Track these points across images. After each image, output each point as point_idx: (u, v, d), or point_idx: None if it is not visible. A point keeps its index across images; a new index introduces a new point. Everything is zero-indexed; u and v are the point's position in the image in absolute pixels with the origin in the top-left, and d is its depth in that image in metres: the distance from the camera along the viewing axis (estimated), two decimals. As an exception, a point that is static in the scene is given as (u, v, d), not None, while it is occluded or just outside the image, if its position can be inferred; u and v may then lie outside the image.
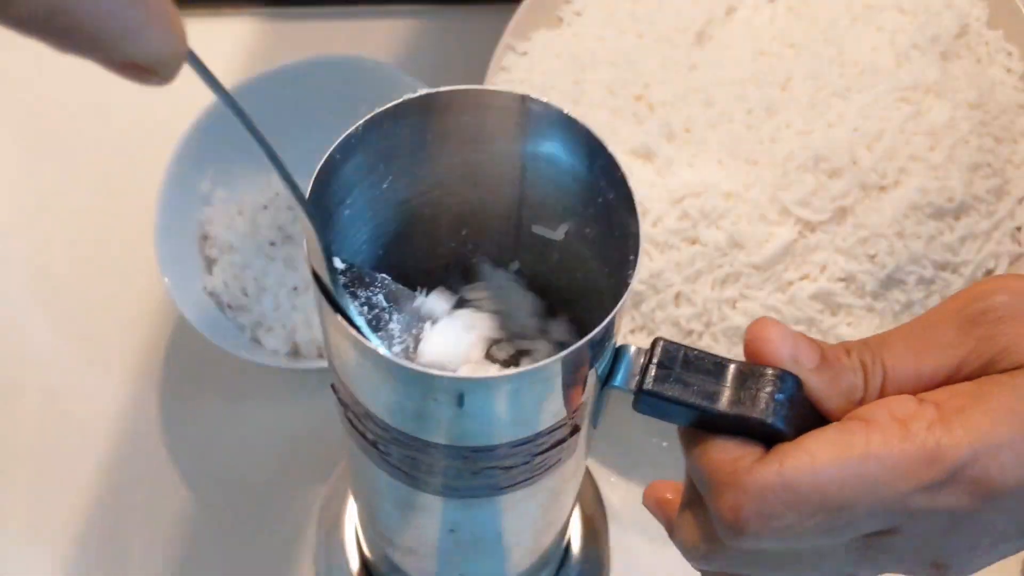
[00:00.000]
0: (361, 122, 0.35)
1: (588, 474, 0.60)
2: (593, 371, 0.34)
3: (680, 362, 0.33)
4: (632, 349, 0.35)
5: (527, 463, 0.35)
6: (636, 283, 0.31)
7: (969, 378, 0.33)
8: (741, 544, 0.32)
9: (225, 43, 0.78)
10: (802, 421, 0.33)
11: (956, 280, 0.58)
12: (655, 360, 0.33)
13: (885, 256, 0.57)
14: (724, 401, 0.32)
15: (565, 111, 0.34)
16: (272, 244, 0.67)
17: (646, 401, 0.34)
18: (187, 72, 0.82)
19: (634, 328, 0.60)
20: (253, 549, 0.64)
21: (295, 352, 0.63)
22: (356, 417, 0.36)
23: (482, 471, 0.35)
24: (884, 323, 0.58)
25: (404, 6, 0.78)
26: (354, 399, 0.35)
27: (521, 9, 0.67)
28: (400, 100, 0.35)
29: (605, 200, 0.36)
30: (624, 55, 0.66)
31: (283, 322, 0.63)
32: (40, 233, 0.74)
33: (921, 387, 0.33)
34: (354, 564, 0.57)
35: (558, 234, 0.40)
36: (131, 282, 0.70)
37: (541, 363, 0.31)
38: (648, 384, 0.33)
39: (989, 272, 0.59)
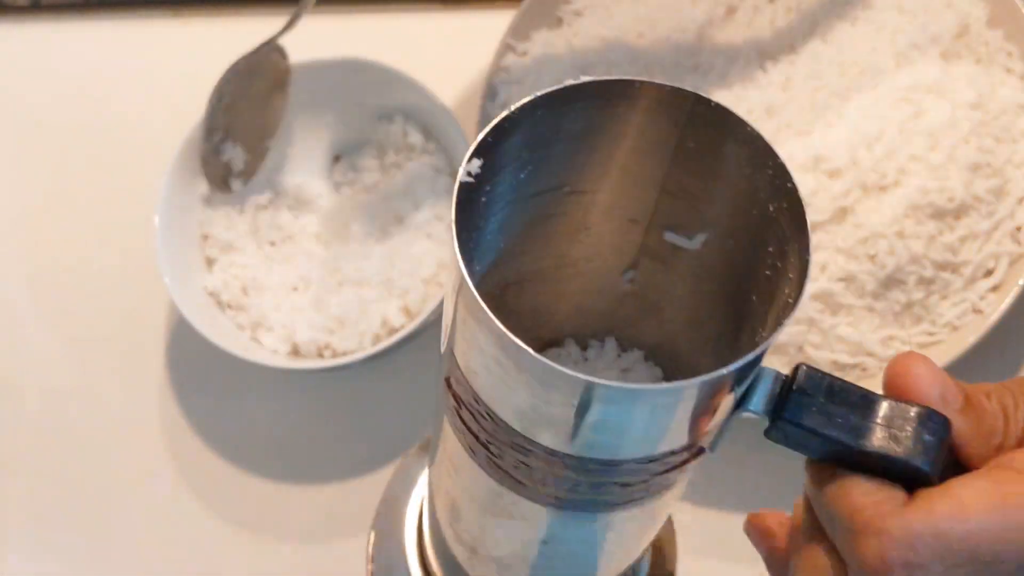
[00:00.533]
0: (517, 105, 0.32)
1: None
2: (732, 394, 0.31)
3: (824, 391, 0.31)
4: (771, 373, 0.32)
5: (645, 482, 0.33)
6: (789, 321, 0.29)
7: None
8: None
9: (225, 43, 0.78)
10: (945, 465, 0.31)
11: (956, 280, 0.58)
12: (797, 387, 0.31)
13: (885, 256, 0.57)
14: (870, 438, 0.30)
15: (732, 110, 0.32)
16: (272, 244, 0.67)
17: (783, 429, 0.32)
18: (188, 72, 0.82)
19: (634, 328, 0.60)
20: (253, 549, 0.64)
21: (295, 352, 0.63)
22: (473, 416, 0.33)
23: (600, 486, 0.33)
24: (884, 323, 0.58)
25: (404, 6, 0.78)
26: (475, 396, 0.32)
27: (521, 9, 0.67)
28: (560, 86, 0.32)
29: (763, 212, 0.32)
30: (624, 55, 0.66)
31: (283, 322, 0.63)
32: (40, 233, 0.73)
33: None
34: (416, 571, 0.55)
35: (694, 243, 0.37)
36: (131, 282, 0.70)
37: (690, 380, 0.28)
38: (789, 413, 0.31)
39: (989, 272, 0.59)
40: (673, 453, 0.32)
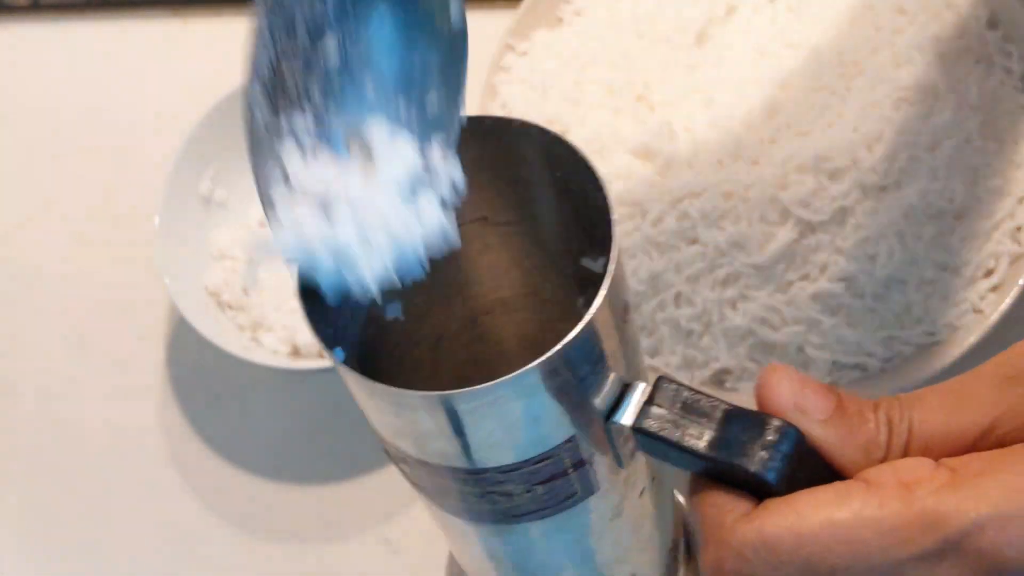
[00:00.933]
0: None
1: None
2: (589, 403, 0.32)
3: (680, 403, 0.32)
4: (640, 387, 0.33)
5: (529, 492, 0.33)
6: (598, 303, 0.30)
7: (1003, 440, 0.30)
8: None
9: (225, 43, 0.78)
10: (807, 476, 0.31)
11: (956, 280, 0.58)
12: (655, 400, 0.32)
13: (885, 257, 0.57)
14: (719, 449, 0.31)
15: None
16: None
17: (642, 441, 0.33)
18: (188, 72, 0.82)
19: (634, 328, 0.60)
20: (252, 549, 0.64)
21: (295, 352, 0.63)
22: (380, 439, 0.35)
23: (486, 495, 0.34)
24: (884, 323, 0.58)
25: (404, 6, 0.78)
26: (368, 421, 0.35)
27: (521, 9, 0.67)
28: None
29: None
30: (624, 55, 0.66)
31: (283, 322, 0.63)
32: (40, 233, 0.74)
33: (949, 446, 0.31)
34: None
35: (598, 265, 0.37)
36: (131, 282, 0.70)
37: (500, 380, 0.29)
38: (642, 423, 0.32)
39: (989, 272, 0.59)
40: (537, 461, 0.32)
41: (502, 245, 0.39)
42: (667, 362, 0.59)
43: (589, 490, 0.35)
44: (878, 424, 0.31)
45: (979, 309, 0.58)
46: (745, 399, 0.58)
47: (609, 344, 0.32)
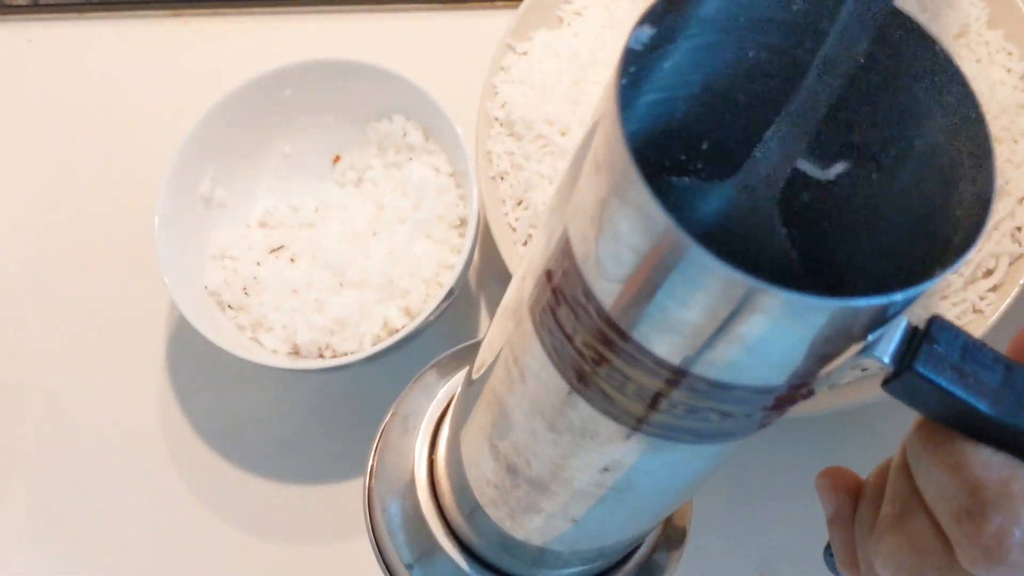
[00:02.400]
0: None
1: None
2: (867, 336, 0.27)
3: (959, 348, 0.28)
4: (902, 321, 0.28)
5: (748, 416, 0.29)
6: (964, 259, 0.25)
7: None
8: (993, 574, 0.28)
9: (225, 43, 0.78)
10: None
11: (956, 280, 0.58)
12: (930, 339, 0.28)
13: (885, 256, 0.57)
14: (1006, 405, 0.28)
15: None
16: (273, 244, 0.67)
17: (909, 382, 0.28)
18: (188, 72, 0.82)
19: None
20: (252, 548, 0.64)
21: (295, 352, 0.63)
22: (575, 315, 0.29)
23: (700, 411, 0.28)
24: (884, 323, 0.58)
25: (404, 6, 0.78)
26: (585, 292, 0.28)
27: (521, 9, 0.67)
28: None
29: (932, 137, 0.28)
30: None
31: (283, 322, 0.63)
32: (40, 233, 0.74)
33: None
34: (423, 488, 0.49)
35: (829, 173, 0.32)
36: (131, 282, 0.71)
37: (841, 302, 0.24)
38: (920, 365, 0.28)
39: (989, 272, 0.59)
40: (791, 387, 0.27)
41: None
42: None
43: (779, 418, 0.30)
44: None
45: (979, 309, 0.58)
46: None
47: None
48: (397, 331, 0.61)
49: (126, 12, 0.80)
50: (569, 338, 0.29)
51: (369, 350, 0.60)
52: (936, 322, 0.28)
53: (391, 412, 0.54)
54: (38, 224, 0.74)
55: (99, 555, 0.65)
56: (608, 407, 0.30)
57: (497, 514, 0.41)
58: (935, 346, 0.28)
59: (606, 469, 0.33)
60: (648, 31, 0.27)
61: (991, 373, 0.28)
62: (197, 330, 0.61)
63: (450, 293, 0.61)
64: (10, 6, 0.80)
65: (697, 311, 0.25)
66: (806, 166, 0.31)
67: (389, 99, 0.67)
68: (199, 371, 0.68)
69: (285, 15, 0.79)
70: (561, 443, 0.34)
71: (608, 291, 0.27)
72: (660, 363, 0.27)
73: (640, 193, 0.24)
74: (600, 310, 0.27)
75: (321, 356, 0.63)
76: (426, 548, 0.47)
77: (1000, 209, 0.59)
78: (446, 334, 0.67)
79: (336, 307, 0.62)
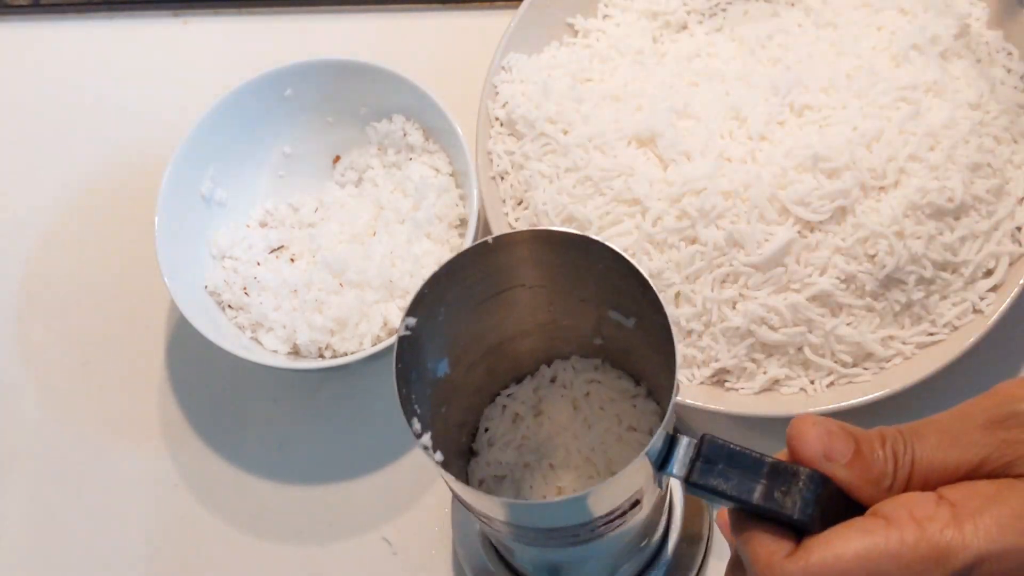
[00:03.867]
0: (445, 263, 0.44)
1: None
2: (648, 461, 0.39)
3: (724, 458, 0.38)
4: (684, 441, 0.40)
5: (594, 530, 0.42)
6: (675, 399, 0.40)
7: (991, 474, 0.36)
8: None
9: (225, 43, 0.78)
10: (833, 510, 0.37)
11: (956, 280, 0.58)
12: (702, 455, 0.39)
13: (885, 256, 0.57)
14: (759, 496, 0.37)
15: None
16: (273, 244, 0.67)
17: (693, 490, 0.39)
18: (188, 72, 0.82)
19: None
20: (252, 548, 0.64)
21: (295, 352, 0.63)
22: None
23: (556, 537, 0.43)
24: (884, 323, 0.58)
25: (404, 6, 0.78)
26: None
27: (521, 8, 0.67)
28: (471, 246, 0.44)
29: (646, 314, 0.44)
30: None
31: (283, 322, 0.63)
32: (41, 233, 0.74)
33: (946, 477, 0.37)
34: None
35: (629, 323, 0.48)
36: (132, 281, 0.70)
37: (574, 495, 0.39)
38: (694, 478, 0.38)
39: (989, 272, 0.59)
40: (607, 516, 0.41)
41: (533, 298, 0.49)
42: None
43: (635, 512, 0.44)
44: (886, 458, 0.37)
45: (979, 309, 0.58)
46: (745, 398, 0.58)
47: (667, 425, 0.40)
48: (397, 331, 0.61)
49: (126, 12, 0.80)
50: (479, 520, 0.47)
51: (369, 350, 0.60)
52: (705, 439, 0.39)
53: None
54: (38, 224, 0.74)
55: (98, 554, 0.65)
56: (519, 540, 0.47)
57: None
58: (706, 460, 0.38)
59: (555, 571, 0.53)
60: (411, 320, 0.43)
61: (749, 473, 0.38)
62: (197, 330, 0.61)
63: (450, 293, 0.61)
64: (10, 6, 0.80)
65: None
66: (616, 316, 0.49)
67: (389, 99, 0.67)
68: (199, 371, 0.68)
69: (285, 15, 0.79)
70: (528, 551, 0.52)
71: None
72: (512, 524, 0.44)
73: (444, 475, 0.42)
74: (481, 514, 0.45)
75: (321, 356, 0.63)
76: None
77: (1000, 209, 0.59)
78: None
79: (336, 307, 0.62)
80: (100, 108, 0.77)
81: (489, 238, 0.44)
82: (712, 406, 0.57)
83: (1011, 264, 0.59)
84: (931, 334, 0.58)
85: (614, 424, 0.54)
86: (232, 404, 0.67)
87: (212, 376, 0.67)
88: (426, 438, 0.43)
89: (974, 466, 0.37)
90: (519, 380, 0.56)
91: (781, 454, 0.39)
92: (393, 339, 0.60)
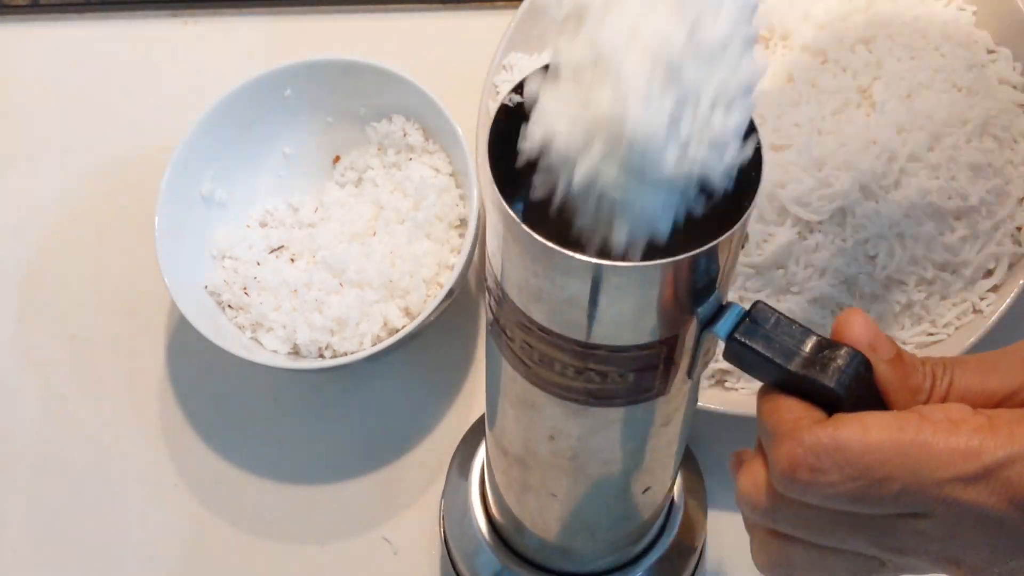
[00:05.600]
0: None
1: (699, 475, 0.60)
2: (697, 310, 0.37)
3: (771, 323, 0.37)
4: (738, 308, 0.38)
5: (621, 375, 0.38)
6: (744, 221, 0.35)
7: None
8: (791, 492, 0.36)
9: (225, 43, 0.78)
10: (866, 400, 0.36)
11: (956, 281, 0.58)
12: (751, 316, 0.37)
13: (885, 257, 0.57)
14: (799, 363, 0.36)
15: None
16: (273, 244, 0.67)
17: (732, 349, 0.37)
18: (188, 72, 0.82)
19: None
20: (252, 548, 0.64)
21: (295, 352, 0.63)
22: (492, 298, 0.40)
23: (583, 371, 0.38)
24: (884, 324, 0.58)
25: (404, 6, 0.78)
26: (495, 277, 0.39)
27: (521, 8, 0.67)
28: None
29: None
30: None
31: (283, 322, 0.63)
32: (40, 233, 0.74)
33: (981, 402, 0.37)
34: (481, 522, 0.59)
35: None
36: (132, 281, 0.70)
37: (643, 263, 0.33)
38: (738, 334, 0.37)
39: (989, 272, 0.59)
40: (642, 348, 0.37)
41: None
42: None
43: (663, 390, 0.40)
44: (925, 375, 0.37)
45: (979, 309, 0.58)
46: (745, 398, 0.58)
47: (726, 261, 0.36)
48: (397, 331, 0.61)
49: (126, 12, 0.80)
50: (495, 317, 0.40)
51: (369, 350, 0.60)
52: (757, 304, 0.38)
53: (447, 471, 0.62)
54: (38, 224, 0.74)
55: (98, 554, 0.65)
56: (528, 375, 0.40)
57: (514, 504, 0.52)
58: (753, 321, 0.37)
59: (552, 437, 0.43)
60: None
61: (796, 341, 0.37)
62: (197, 330, 0.61)
63: (450, 293, 0.61)
64: (10, 6, 0.80)
65: (545, 280, 0.35)
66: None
67: (389, 99, 0.67)
68: (199, 371, 0.68)
69: (285, 15, 0.79)
70: (521, 418, 0.44)
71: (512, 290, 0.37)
72: (540, 328, 0.37)
73: (504, 212, 0.34)
74: (499, 285, 0.38)
75: (321, 356, 0.63)
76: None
77: (1000, 209, 0.59)
78: (446, 334, 0.67)
79: (336, 307, 0.62)
80: (100, 108, 0.77)
81: None
82: (712, 406, 0.57)
83: (1011, 264, 0.59)
84: (931, 334, 0.58)
85: None
86: (232, 404, 0.67)
87: (212, 376, 0.67)
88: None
89: (1008, 394, 0.37)
90: None
91: None
92: (393, 339, 0.60)
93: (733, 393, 0.59)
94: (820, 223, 0.57)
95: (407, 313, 0.62)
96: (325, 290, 0.63)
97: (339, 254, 0.64)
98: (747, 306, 0.38)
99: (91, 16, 0.80)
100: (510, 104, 0.36)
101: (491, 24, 0.71)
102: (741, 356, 0.38)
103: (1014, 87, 0.62)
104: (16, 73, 0.79)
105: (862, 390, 0.37)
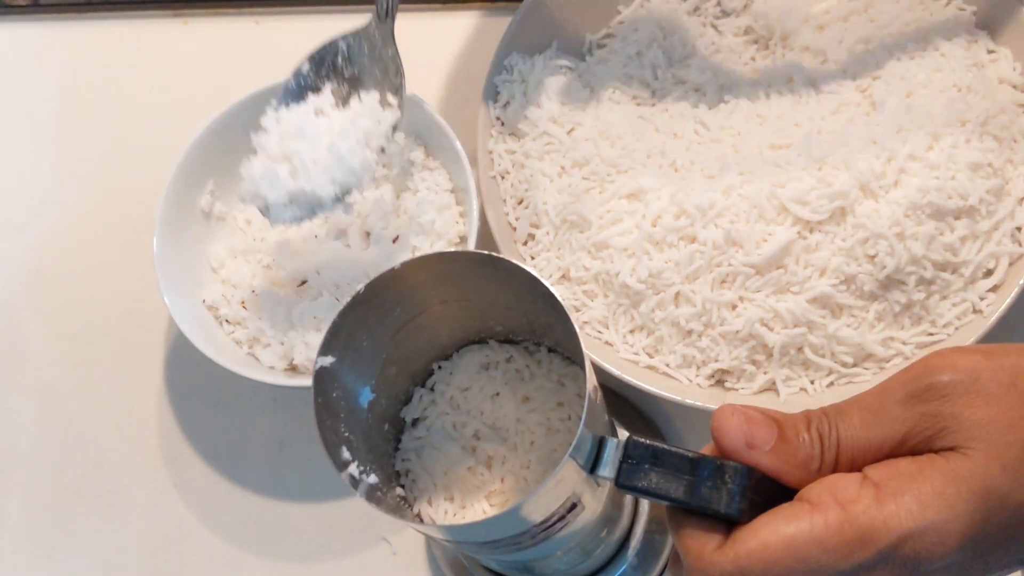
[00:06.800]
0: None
1: None
2: (576, 465, 0.40)
3: (649, 457, 0.39)
4: (612, 443, 0.40)
5: (535, 536, 0.42)
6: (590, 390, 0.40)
7: (913, 451, 0.37)
8: None
9: (225, 43, 0.78)
10: (763, 497, 0.38)
11: (956, 280, 0.58)
12: (628, 456, 0.39)
13: (885, 257, 0.57)
14: (686, 493, 0.38)
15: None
16: (269, 261, 0.66)
17: (624, 491, 0.40)
18: (188, 73, 0.81)
19: (634, 328, 0.60)
20: (249, 564, 0.64)
21: (292, 368, 0.63)
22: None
23: (499, 549, 0.43)
24: (884, 324, 0.58)
25: (404, 6, 0.78)
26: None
27: (521, 9, 0.67)
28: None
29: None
30: (621, 54, 0.66)
31: (280, 339, 0.62)
32: (40, 250, 0.73)
33: (871, 455, 0.38)
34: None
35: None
36: (130, 295, 0.70)
37: (503, 512, 0.39)
38: (622, 479, 0.39)
39: (989, 272, 0.59)
40: (542, 523, 0.41)
41: (460, 311, 0.50)
42: (667, 361, 0.59)
43: (576, 513, 0.44)
44: (812, 441, 0.38)
45: (979, 309, 0.58)
46: (745, 398, 0.58)
47: (596, 426, 0.40)
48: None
49: (126, 12, 0.80)
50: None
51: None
52: (629, 441, 0.39)
53: None
54: (36, 235, 0.74)
55: (95, 559, 0.65)
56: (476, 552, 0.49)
57: None
58: (631, 462, 0.39)
59: (527, 568, 0.52)
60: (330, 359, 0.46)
61: (675, 471, 0.38)
62: (195, 345, 0.60)
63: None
64: (10, 6, 0.80)
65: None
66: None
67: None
68: (197, 385, 0.68)
69: (285, 15, 0.79)
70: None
71: None
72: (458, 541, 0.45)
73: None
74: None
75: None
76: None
77: (1000, 209, 0.59)
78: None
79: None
80: (100, 108, 0.77)
81: (396, 264, 0.46)
82: (712, 406, 0.57)
83: (1011, 264, 0.59)
84: (931, 334, 0.58)
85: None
86: (229, 418, 0.67)
87: (210, 385, 0.67)
88: (353, 468, 0.44)
89: (897, 442, 0.37)
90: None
91: (708, 448, 0.39)
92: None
93: (733, 394, 0.59)
94: (820, 222, 0.57)
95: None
96: (324, 307, 0.62)
97: (338, 271, 0.63)
98: (622, 441, 0.40)
99: (91, 16, 0.80)
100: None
101: (491, 24, 0.71)
102: (634, 494, 0.40)
103: (1014, 87, 0.62)
104: (16, 73, 0.79)
105: (756, 493, 0.38)
